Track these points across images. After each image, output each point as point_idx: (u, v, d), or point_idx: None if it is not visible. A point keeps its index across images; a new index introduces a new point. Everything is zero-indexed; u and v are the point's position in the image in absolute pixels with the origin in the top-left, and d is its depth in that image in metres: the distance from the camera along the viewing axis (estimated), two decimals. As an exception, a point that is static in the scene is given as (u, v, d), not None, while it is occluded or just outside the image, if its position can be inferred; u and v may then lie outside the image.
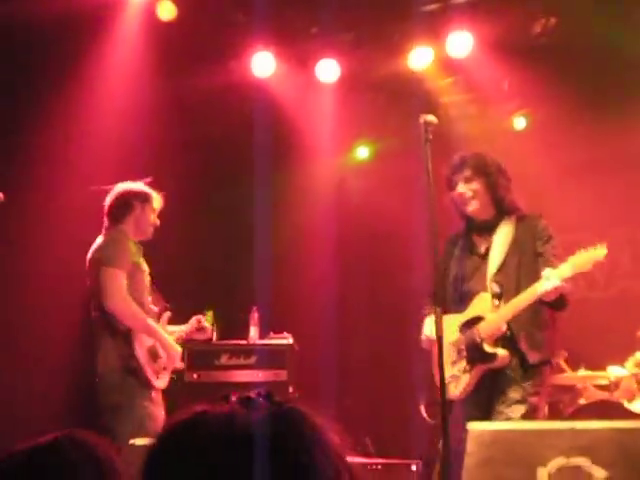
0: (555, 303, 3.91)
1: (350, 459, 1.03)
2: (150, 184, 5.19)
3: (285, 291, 6.95)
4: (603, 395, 5.98)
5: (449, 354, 4.01)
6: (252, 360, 5.74)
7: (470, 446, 2.98)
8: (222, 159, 7.27)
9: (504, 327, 3.94)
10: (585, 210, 6.94)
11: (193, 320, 4.91)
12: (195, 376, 6.13)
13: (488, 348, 3.94)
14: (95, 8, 5.72)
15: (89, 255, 4.52)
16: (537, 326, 4.00)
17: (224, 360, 5.78)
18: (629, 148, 6.90)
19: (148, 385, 4.36)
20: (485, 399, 3.97)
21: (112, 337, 4.38)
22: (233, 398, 1.03)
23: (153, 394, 4.39)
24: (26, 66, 5.73)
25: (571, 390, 6.18)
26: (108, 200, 4.60)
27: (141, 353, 4.37)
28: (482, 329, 3.98)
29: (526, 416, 3.77)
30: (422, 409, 4.57)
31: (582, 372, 6.18)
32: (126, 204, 4.58)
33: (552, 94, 6.64)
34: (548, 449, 2.90)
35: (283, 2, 6.25)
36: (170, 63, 6.20)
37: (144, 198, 4.61)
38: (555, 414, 6.00)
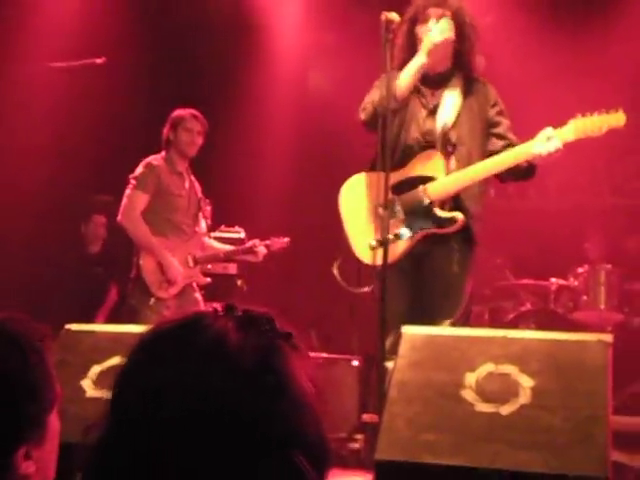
0: (527, 171, 3.71)
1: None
2: (105, 64, 5.16)
3: (239, 185, 6.89)
4: (544, 304, 6.12)
5: (368, 217, 3.78)
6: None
7: (403, 349, 3.03)
8: (183, 44, 7.06)
9: (455, 191, 3.66)
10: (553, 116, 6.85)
11: (249, 243, 5.35)
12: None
13: (441, 212, 3.65)
14: None
15: None
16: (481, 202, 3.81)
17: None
18: (604, 55, 6.74)
19: (148, 292, 4.85)
20: (412, 266, 3.76)
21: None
22: (224, 311, 0.95)
23: (152, 302, 4.81)
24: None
25: (513, 297, 6.31)
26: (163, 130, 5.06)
27: (146, 264, 4.86)
28: (432, 191, 3.68)
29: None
30: (335, 271, 4.00)
31: (526, 280, 6.30)
32: (166, 133, 5.02)
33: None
34: (478, 355, 2.95)
35: None
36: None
37: (176, 123, 5.01)
38: (496, 319, 6.14)
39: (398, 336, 3.33)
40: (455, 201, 3.72)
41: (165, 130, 5.06)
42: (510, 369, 2.90)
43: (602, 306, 5.97)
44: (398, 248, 3.63)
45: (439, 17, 3.82)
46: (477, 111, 3.83)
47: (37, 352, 1.36)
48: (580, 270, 6.06)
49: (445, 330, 3.25)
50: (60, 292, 6.07)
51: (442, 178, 3.68)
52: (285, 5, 7.19)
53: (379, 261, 3.49)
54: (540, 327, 5.60)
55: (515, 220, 6.62)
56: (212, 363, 0.89)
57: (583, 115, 3.56)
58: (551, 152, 3.53)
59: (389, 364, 3.45)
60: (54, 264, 6.25)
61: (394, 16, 3.82)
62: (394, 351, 3.32)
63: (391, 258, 3.50)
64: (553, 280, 6.10)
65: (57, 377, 1.56)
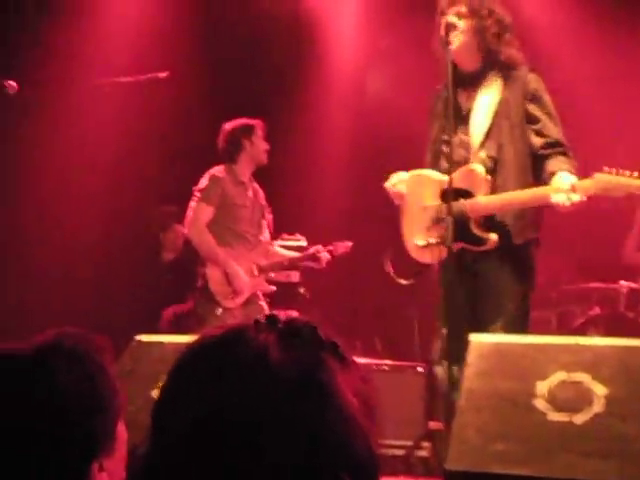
0: None
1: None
2: (167, 78, 5.21)
3: (298, 191, 6.90)
4: (614, 308, 5.98)
5: (422, 219, 3.82)
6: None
7: (470, 357, 3.00)
8: (240, 49, 7.12)
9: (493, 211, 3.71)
10: (608, 119, 6.71)
11: (312, 249, 5.41)
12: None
13: (477, 231, 3.68)
14: None
15: None
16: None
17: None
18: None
19: (214, 302, 4.91)
20: (468, 275, 3.75)
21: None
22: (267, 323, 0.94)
23: (219, 312, 4.88)
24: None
25: (582, 300, 6.18)
26: (219, 142, 5.05)
27: (213, 274, 4.90)
28: (471, 207, 3.69)
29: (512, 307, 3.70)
30: (388, 266, 3.95)
31: (595, 283, 6.16)
32: (235, 143, 4.98)
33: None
34: (549, 363, 2.90)
35: None
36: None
37: (250, 132, 4.99)
38: (564, 325, 6.03)
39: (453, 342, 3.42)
40: (490, 218, 3.71)
41: (227, 141, 5.07)
42: (583, 377, 2.84)
43: (674, 310, 5.81)
44: (438, 252, 3.70)
45: (457, 14, 3.77)
46: (513, 104, 3.74)
47: (97, 364, 1.38)
48: (651, 273, 5.92)
49: (513, 338, 3.21)
50: (128, 299, 6.17)
51: (482, 197, 3.69)
52: (342, 9, 7.18)
53: (425, 259, 3.78)
54: (610, 332, 5.47)
55: (582, 221, 6.49)
56: (253, 379, 0.88)
57: (609, 171, 3.40)
58: (566, 206, 3.44)
59: (438, 369, 3.68)
60: (123, 272, 6.35)
61: (455, 20, 3.79)
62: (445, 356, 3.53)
63: (433, 259, 3.75)
64: (623, 283, 5.96)
65: (128, 387, 1.58)
